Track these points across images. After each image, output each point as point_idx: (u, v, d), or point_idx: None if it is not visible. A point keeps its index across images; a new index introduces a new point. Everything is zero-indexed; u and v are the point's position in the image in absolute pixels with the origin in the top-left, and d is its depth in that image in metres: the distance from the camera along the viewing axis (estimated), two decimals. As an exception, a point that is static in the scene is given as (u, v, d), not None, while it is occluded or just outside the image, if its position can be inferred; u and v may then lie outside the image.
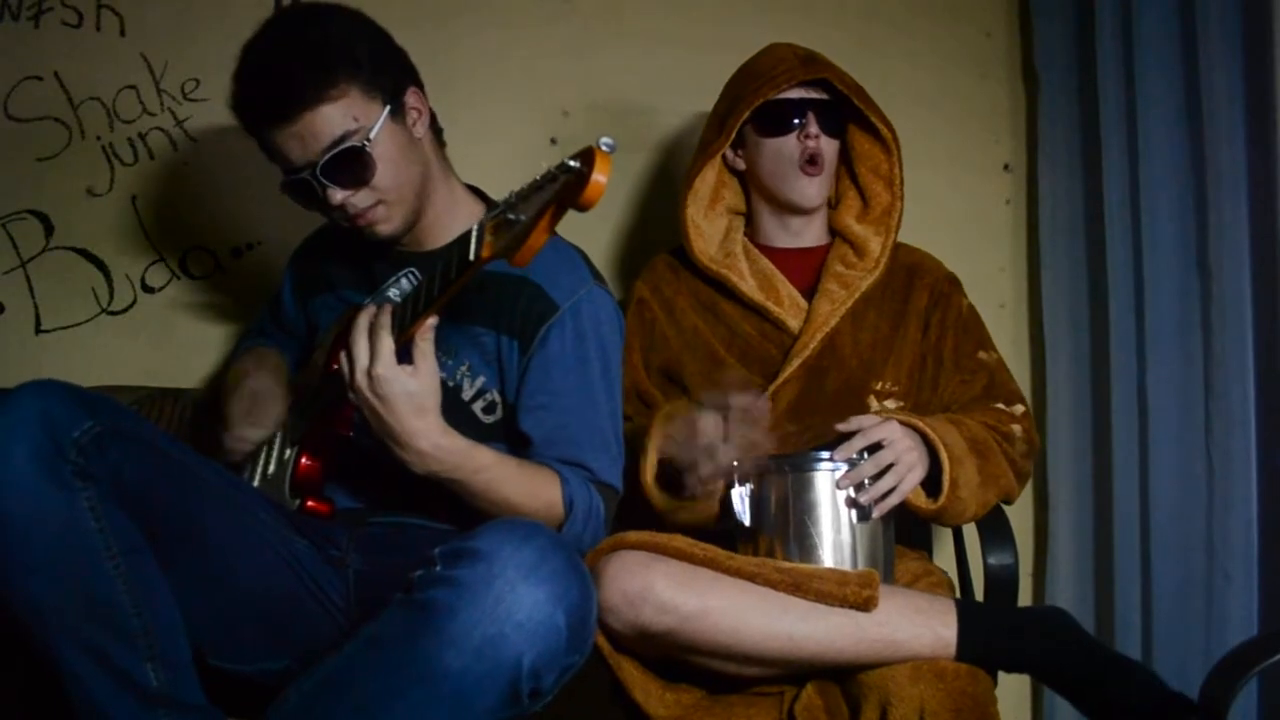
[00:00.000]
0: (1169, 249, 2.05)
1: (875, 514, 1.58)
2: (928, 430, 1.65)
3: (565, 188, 1.23)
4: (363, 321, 1.43)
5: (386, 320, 1.42)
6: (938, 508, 1.66)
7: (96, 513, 1.32)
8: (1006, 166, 2.51)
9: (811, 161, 1.83)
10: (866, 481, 1.58)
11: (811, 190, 1.85)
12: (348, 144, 1.52)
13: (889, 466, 1.60)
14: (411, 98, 1.60)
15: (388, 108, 1.55)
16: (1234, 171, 1.90)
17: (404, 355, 1.41)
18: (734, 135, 1.87)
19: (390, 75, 1.57)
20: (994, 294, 2.45)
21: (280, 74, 1.51)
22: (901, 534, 1.70)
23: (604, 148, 1.21)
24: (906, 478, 1.61)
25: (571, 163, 1.22)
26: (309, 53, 1.51)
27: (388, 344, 1.40)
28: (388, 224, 1.59)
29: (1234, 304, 1.90)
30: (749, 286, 1.87)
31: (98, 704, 1.31)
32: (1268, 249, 1.85)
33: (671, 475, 1.69)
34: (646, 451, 1.69)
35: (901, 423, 1.64)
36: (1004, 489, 1.75)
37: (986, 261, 2.47)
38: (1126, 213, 2.16)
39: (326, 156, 1.52)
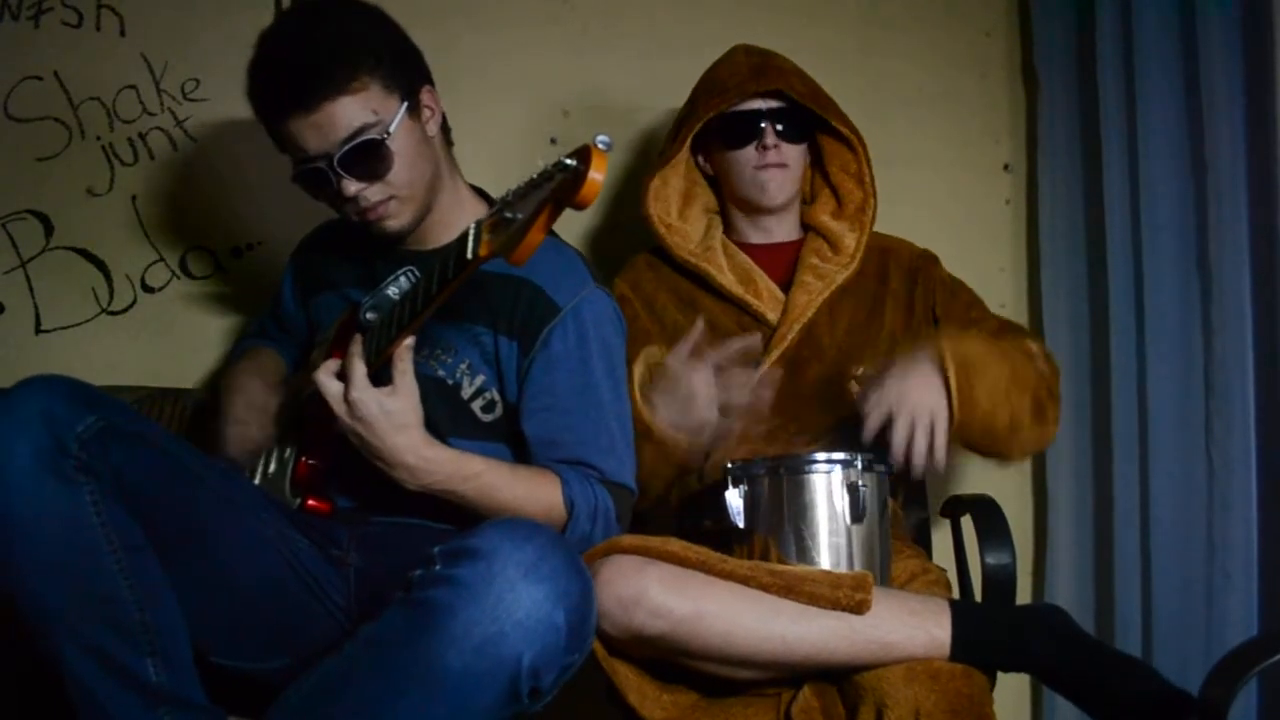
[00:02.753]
0: (1169, 249, 2.05)
1: (939, 466, 1.56)
2: (932, 355, 1.62)
3: (562, 186, 1.23)
4: (330, 363, 1.47)
5: (358, 349, 1.44)
6: (960, 420, 1.63)
7: (99, 508, 1.32)
8: (1006, 166, 2.51)
9: (771, 164, 1.85)
10: (859, 489, 1.57)
11: (771, 188, 1.87)
12: (366, 136, 1.52)
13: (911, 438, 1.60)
14: (426, 96, 1.61)
15: (405, 104, 1.56)
16: (1234, 171, 1.90)
17: (386, 374, 1.44)
18: (688, 143, 1.89)
19: (408, 72, 1.58)
20: (994, 294, 2.44)
21: (302, 63, 1.51)
22: (901, 532, 1.70)
23: (601, 146, 1.21)
24: (935, 428, 1.59)
25: (568, 161, 1.23)
26: (332, 44, 1.51)
27: (360, 369, 1.43)
28: (397, 219, 1.59)
29: (1234, 304, 1.90)
30: (728, 280, 1.88)
31: (99, 701, 1.31)
32: (1268, 249, 1.85)
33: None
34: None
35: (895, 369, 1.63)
36: (1035, 392, 1.73)
37: (986, 262, 2.47)
38: (1126, 213, 2.16)
39: (345, 148, 1.52)
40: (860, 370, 1.83)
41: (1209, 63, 1.94)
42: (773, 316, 1.86)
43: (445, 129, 1.67)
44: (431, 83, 1.64)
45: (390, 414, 1.42)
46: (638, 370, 1.69)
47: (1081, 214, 2.33)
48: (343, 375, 1.45)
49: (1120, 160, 2.18)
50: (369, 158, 1.53)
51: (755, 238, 1.95)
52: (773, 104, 1.85)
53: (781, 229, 1.95)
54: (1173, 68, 2.04)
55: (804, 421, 1.73)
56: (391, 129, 1.53)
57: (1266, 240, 1.85)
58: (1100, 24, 2.21)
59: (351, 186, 1.55)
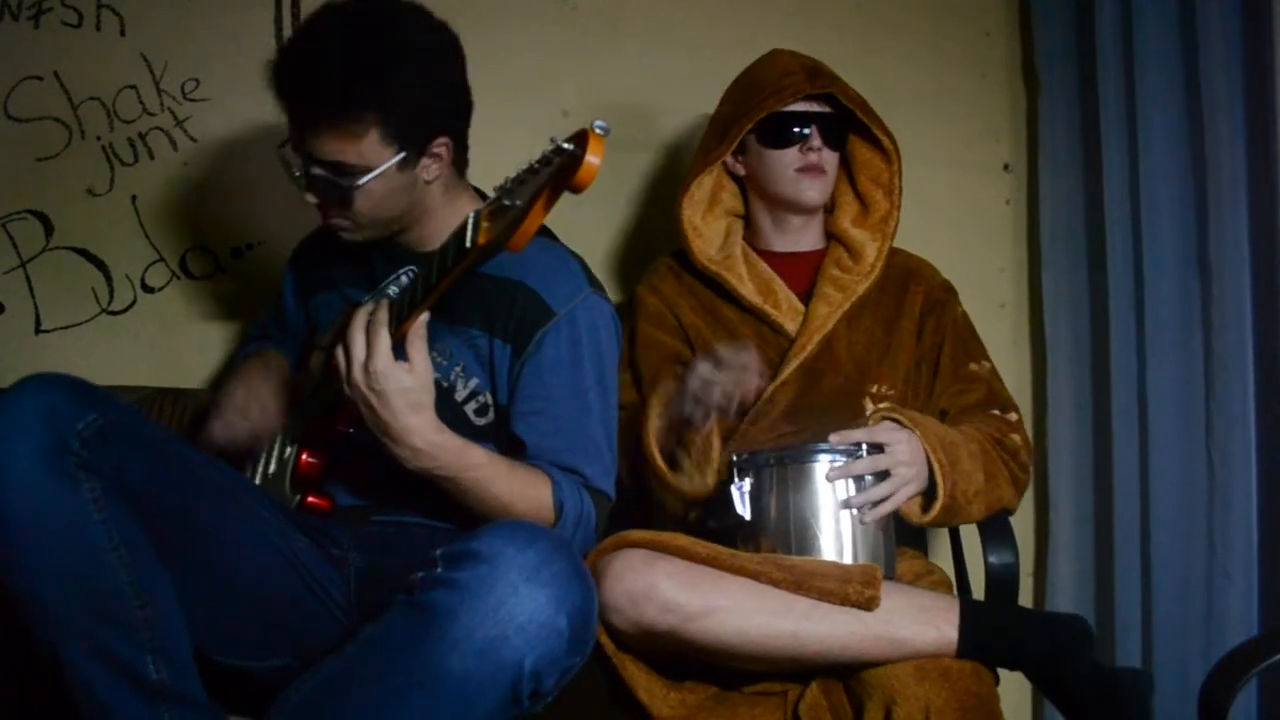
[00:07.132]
0: (1169, 249, 2.05)
1: (867, 519, 1.58)
2: (940, 479, 1.64)
3: (559, 170, 1.24)
4: (360, 318, 1.43)
5: (384, 316, 1.41)
6: (927, 522, 1.67)
7: (100, 505, 1.31)
8: (1006, 166, 2.51)
9: (811, 167, 1.84)
10: (864, 480, 1.59)
11: (812, 192, 1.86)
12: (338, 176, 1.51)
13: (886, 474, 1.60)
14: (438, 147, 1.56)
15: (401, 155, 1.51)
16: (1234, 171, 1.91)
17: (400, 352, 1.41)
18: (735, 144, 1.88)
19: (421, 126, 1.53)
20: (994, 294, 2.45)
21: (315, 77, 1.48)
22: (900, 533, 1.70)
23: (597, 130, 1.22)
24: (901, 491, 1.61)
25: (565, 145, 1.23)
26: (350, 73, 1.46)
27: (385, 339, 1.40)
28: (352, 235, 1.60)
29: (1234, 304, 1.90)
30: (748, 290, 1.87)
31: (99, 698, 1.31)
32: (1268, 249, 1.86)
33: (671, 446, 1.67)
34: (648, 417, 1.67)
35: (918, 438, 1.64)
36: (1004, 505, 1.77)
37: (986, 261, 2.47)
38: (1126, 213, 2.16)
39: (314, 169, 1.52)
40: (876, 388, 1.83)
41: (1209, 63, 1.94)
42: (791, 328, 1.85)
43: (461, 160, 1.63)
44: (457, 129, 1.59)
45: (407, 391, 1.40)
46: (653, 422, 1.66)
47: (1081, 214, 2.34)
48: (368, 337, 1.41)
49: (1120, 160, 2.18)
50: (333, 189, 1.53)
51: (779, 245, 1.93)
52: (821, 108, 1.85)
53: (806, 237, 1.94)
54: (1173, 68, 2.04)
55: (815, 431, 1.73)
56: (363, 180, 1.50)
57: (1266, 240, 1.86)
58: (1100, 24, 2.21)
59: (310, 197, 1.55)
